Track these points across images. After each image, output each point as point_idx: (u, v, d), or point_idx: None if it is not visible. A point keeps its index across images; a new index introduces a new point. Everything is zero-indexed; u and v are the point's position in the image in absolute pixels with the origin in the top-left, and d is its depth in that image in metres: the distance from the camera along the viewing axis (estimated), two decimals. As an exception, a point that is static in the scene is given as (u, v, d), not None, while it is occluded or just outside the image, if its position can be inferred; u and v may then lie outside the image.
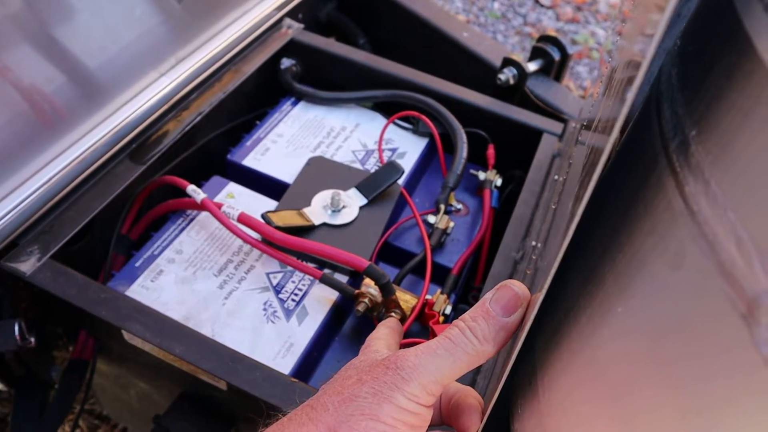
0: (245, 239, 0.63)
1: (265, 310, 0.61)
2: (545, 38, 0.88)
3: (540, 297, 0.29)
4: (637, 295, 0.24)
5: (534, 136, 0.78)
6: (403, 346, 0.38)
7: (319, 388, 0.35)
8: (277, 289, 0.63)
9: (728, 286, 0.19)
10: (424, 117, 0.77)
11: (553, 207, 0.57)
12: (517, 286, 0.33)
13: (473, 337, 0.33)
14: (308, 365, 0.60)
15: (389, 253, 0.71)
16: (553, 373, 0.31)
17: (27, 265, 0.57)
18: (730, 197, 0.20)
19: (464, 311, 0.70)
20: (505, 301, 0.33)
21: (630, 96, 0.23)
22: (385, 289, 0.60)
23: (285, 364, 0.57)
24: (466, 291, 0.74)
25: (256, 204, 0.70)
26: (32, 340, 0.58)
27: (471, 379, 0.55)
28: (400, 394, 0.31)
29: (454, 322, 0.34)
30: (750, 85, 0.19)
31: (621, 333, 0.25)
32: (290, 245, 0.61)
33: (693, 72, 0.23)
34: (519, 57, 0.85)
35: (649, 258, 0.23)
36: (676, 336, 0.22)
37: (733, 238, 0.19)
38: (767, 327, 0.18)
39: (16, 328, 0.57)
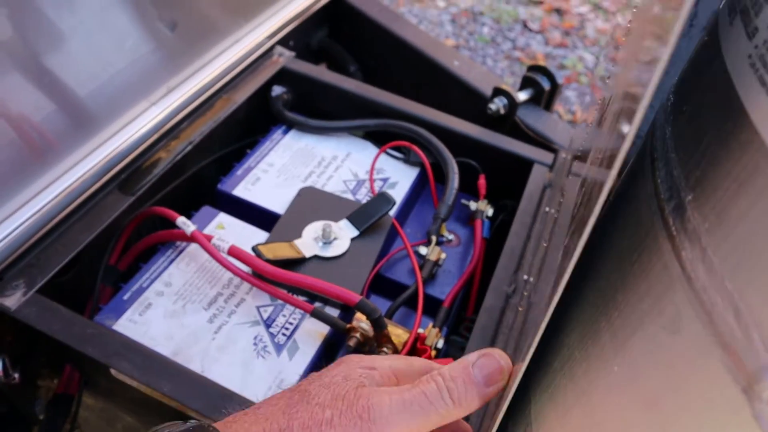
0: (236, 272, 0.62)
1: (255, 344, 0.60)
2: (535, 68, 0.89)
3: (522, 367, 0.29)
4: (633, 355, 0.24)
5: (525, 166, 0.78)
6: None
7: (287, 394, 0.35)
8: (268, 323, 0.62)
9: (727, 357, 0.19)
10: (415, 147, 0.78)
11: (545, 245, 0.57)
12: (502, 359, 0.34)
13: (449, 400, 0.33)
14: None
15: (381, 284, 0.71)
16: (548, 425, 0.31)
17: (12, 300, 0.56)
18: (728, 266, 0.20)
19: (456, 343, 0.69)
20: (489, 370, 0.33)
21: (629, 134, 0.22)
22: (377, 324, 0.59)
23: (290, 379, 0.57)
24: (458, 322, 0.73)
25: (247, 235, 0.69)
26: (16, 376, 0.57)
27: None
28: None
29: (432, 375, 0.34)
30: (746, 156, 0.19)
31: (617, 392, 0.25)
32: (281, 279, 0.61)
33: (687, 133, 0.24)
34: (509, 87, 0.86)
35: (646, 319, 0.23)
36: (673, 401, 0.22)
37: (732, 309, 0.19)
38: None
39: (0, 364, 0.56)
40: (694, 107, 0.24)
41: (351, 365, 0.37)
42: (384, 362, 0.37)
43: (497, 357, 0.34)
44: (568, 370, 0.29)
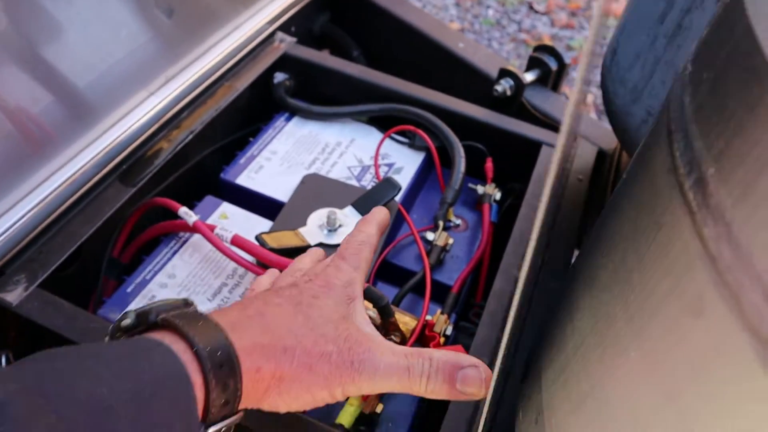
0: (239, 262, 0.61)
1: (260, 335, 0.59)
2: (541, 48, 0.87)
3: (493, 378, 0.28)
4: (652, 340, 0.23)
5: (533, 148, 0.76)
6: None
7: (292, 305, 0.40)
8: (273, 313, 0.61)
9: (756, 342, 0.18)
10: (420, 131, 0.76)
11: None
12: (485, 373, 0.37)
13: (425, 386, 0.38)
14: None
15: (388, 271, 0.69)
16: (562, 414, 0.30)
17: (13, 295, 0.55)
18: (758, 243, 0.18)
19: (465, 329, 0.68)
20: (470, 381, 0.37)
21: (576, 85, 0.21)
22: (384, 311, 0.58)
23: None
24: (466, 307, 0.72)
25: (251, 224, 0.68)
26: (21, 371, 0.56)
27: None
28: (340, 390, 0.38)
29: (423, 356, 0.39)
30: (774, 123, 0.18)
31: (635, 380, 0.24)
32: (284, 267, 0.59)
33: (709, 102, 0.22)
34: (515, 68, 0.84)
35: (665, 302, 0.22)
36: (697, 389, 0.20)
37: (761, 289, 0.18)
38: (802, 390, 0.17)
39: (3, 360, 0.55)
40: (716, 74, 0.22)
41: (356, 288, 0.44)
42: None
43: (481, 371, 0.37)
44: (581, 357, 0.28)
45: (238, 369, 0.34)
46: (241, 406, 0.35)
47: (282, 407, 0.38)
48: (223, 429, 0.34)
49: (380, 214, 0.50)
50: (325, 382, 0.37)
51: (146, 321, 0.36)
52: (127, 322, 0.36)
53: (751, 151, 0.18)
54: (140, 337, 0.35)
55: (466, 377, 0.37)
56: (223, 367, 0.33)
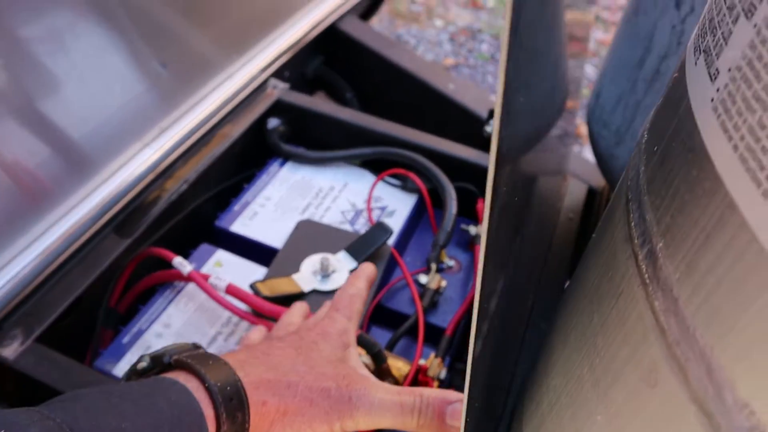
0: (234, 311, 0.62)
1: (254, 383, 0.59)
2: (530, 87, 0.89)
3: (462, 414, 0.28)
4: (616, 406, 0.23)
5: (523, 187, 0.77)
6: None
7: (293, 348, 0.44)
8: (267, 361, 0.61)
9: (702, 416, 0.18)
10: (411, 174, 0.77)
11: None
12: None
13: (416, 420, 0.41)
14: None
15: (382, 315, 0.70)
16: (541, 472, 0.30)
17: (10, 350, 0.56)
18: (700, 320, 0.19)
19: (461, 371, 0.68)
20: (458, 414, 0.39)
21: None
22: (377, 357, 0.58)
23: None
24: (463, 348, 0.72)
25: (245, 271, 0.69)
26: (17, 425, 0.57)
27: None
28: (339, 424, 0.40)
29: (414, 393, 0.42)
30: (711, 205, 0.19)
31: (602, 444, 0.24)
32: (278, 316, 0.60)
33: (658, 175, 0.23)
34: (505, 108, 0.85)
35: (625, 369, 0.23)
36: (656, 458, 0.21)
37: (704, 366, 0.18)
38: (745, 467, 0.17)
39: (0, 415, 0.55)
40: (664, 148, 0.23)
41: (350, 336, 0.48)
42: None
43: None
44: (556, 415, 0.28)
45: (246, 402, 0.37)
46: None
47: None
48: None
49: (368, 269, 0.56)
50: (325, 416, 0.40)
51: (161, 363, 0.40)
52: (142, 365, 0.40)
53: (691, 230, 0.19)
54: (157, 377, 0.38)
55: (455, 411, 0.40)
56: (233, 400, 0.36)
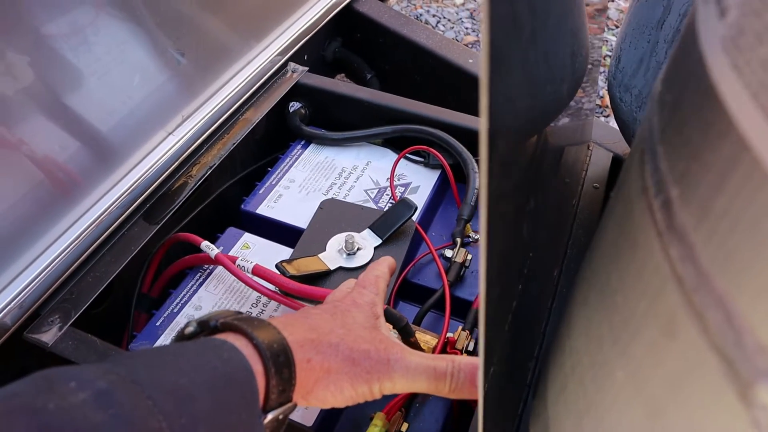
0: (261, 291, 0.63)
1: (285, 361, 0.60)
2: (552, 57, 0.87)
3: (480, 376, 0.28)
4: (636, 361, 0.23)
5: (547, 158, 0.76)
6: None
7: (330, 313, 0.46)
8: (297, 339, 0.62)
9: (722, 362, 0.18)
10: (433, 150, 0.77)
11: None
12: None
13: (449, 384, 0.42)
14: (332, 415, 0.59)
15: (409, 290, 0.70)
16: (565, 431, 0.30)
17: (49, 336, 0.58)
18: (716, 265, 0.18)
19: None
20: None
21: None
22: (404, 332, 0.59)
23: (309, 416, 0.57)
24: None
25: (272, 253, 0.70)
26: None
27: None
28: (378, 386, 0.42)
29: (446, 357, 0.44)
30: (725, 147, 0.18)
31: (623, 398, 0.24)
32: (305, 294, 0.61)
33: (671, 124, 0.22)
34: (526, 79, 0.84)
35: (644, 323, 0.22)
36: (675, 408, 0.21)
37: (722, 312, 0.18)
38: (764, 408, 0.17)
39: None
40: (677, 96, 0.22)
41: (379, 308, 0.49)
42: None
43: None
44: (578, 376, 0.28)
45: (292, 358, 0.38)
46: (295, 396, 0.39)
47: (329, 400, 0.42)
48: (279, 416, 0.38)
49: (388, 259, 0.58)
50: (366, 375, 0.41)
51: (207, 327, 0.41)
52: (190, 329, 0.41)
53: (706, 175, 0.19)
54: (207, 338, 0.39)
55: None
56: (280, 357, 0.38)
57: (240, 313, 0.44)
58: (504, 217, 0.25)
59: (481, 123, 0.20)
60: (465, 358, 0.44)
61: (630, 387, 0.23)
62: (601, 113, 1.68)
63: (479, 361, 0.37)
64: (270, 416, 0.37)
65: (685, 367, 0.20)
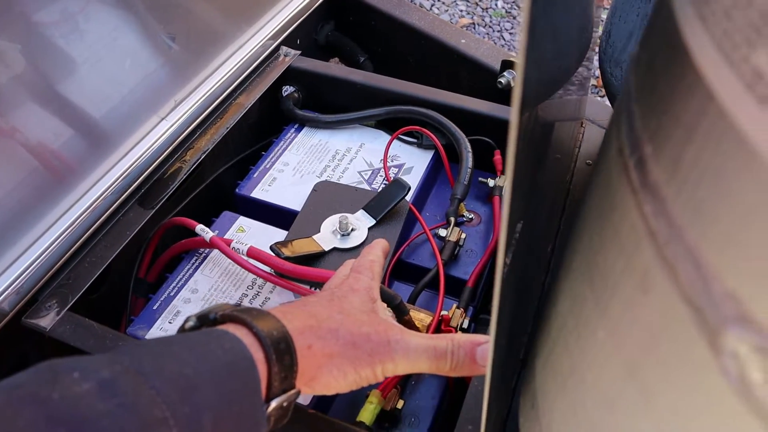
0: (257, 273, 0.63)
1: (281, 342, 0.61)
2: (544, 35, 0.87)
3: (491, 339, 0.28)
4: (614, 319, 0.23)
5: (541, 136, 0.76)
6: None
7: (326, 299, 0.46)
8: (293, 320, 0.63)
9: (692, 312, 0.18)
10: (425, 130, 0.77)
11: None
12: None
13: (450, 362, 0.42)
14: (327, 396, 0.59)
15: (404, 270, 0.70)
16: (550, 397, 0.30)
17: (47, 320, 0.58)
18: (686, 218, 0.19)
19: (487, 321, 0.69)
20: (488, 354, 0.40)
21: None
22: (398, 310, 0.59)
23: (304, 396, 0.57)
24: (487, 299, 0.73)
25: (267, 235, 0.70)
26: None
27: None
28: (380, 368, 0.42)
29: (446, 336, 0.44)
30: (693, 99, 0.18)
31: (602, 358, 0.24)
32: (299, 275, 0.61)
33: (645, 82, 0.23)
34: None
35: (620, 281, 0.23)
36: (652, 363, 0.21)
37: (692, 263, 0.18)
38: (731, 355, 0.17)
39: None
40: (650, 54, 0.22)
41: (375, 292, 0.49)
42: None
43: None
44: (563, 340, 0.29)
45: (292, 345, 0.39)
46: (299, 384, 0.40)
47: (333, 385, 0.42)
48: (283, 403, 0.38)
49: (381, 242, 0.58)
50: (369, 358, 0.42)
51: (207, 320, 0.41)
52: (190, 324, 0.42)
53: (675, 129, 0.19)
54: (208, 329, 0.40)
55: (484, 352, 0.42)
56: (280, 344, 0.38)
57: (239, 305, 0.45)
58: (522, 185, 0.26)
59: (514, 93, 0.20)
60: (463, 336, 0.45)
61: (609, 345, 0.24)
62: (597, 93, 1.68)
63: (490, 337, 0.37)
64: (274, 404, 0.38)
65: (659, 321, 0.20)
